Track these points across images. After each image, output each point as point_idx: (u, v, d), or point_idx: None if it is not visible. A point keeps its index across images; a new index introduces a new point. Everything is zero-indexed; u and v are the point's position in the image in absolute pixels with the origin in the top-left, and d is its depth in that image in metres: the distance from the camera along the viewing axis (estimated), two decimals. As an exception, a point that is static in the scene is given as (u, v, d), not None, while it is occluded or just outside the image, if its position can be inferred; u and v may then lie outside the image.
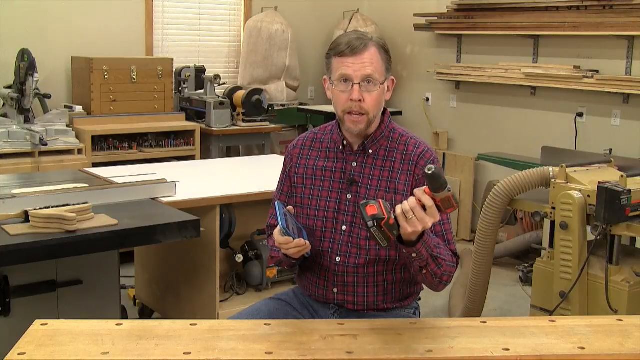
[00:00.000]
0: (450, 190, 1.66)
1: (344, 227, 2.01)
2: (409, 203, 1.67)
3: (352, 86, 1.92)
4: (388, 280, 2.02)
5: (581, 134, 4.93)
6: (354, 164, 2.04)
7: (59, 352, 1.60)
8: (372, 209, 1.66)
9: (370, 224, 1.66)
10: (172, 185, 3.05)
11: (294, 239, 1.81)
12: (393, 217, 1.68)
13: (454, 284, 4.34)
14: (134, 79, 4.91)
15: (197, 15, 5.72)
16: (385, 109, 2.06)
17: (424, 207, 1.67)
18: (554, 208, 3.09)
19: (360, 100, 1.92)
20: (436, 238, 1.90)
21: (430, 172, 1.63)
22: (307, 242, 1.86)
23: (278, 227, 1.83)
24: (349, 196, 2.02)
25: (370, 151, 2.03)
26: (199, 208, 3.04)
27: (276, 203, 1.87)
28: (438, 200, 1.67)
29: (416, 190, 1.68)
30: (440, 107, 5.99)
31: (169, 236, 2.61)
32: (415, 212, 1.66)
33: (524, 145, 5.23)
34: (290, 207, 1.94)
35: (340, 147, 2.05)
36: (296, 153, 2.13)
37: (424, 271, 1.85)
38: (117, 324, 1.76)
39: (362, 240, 1.99)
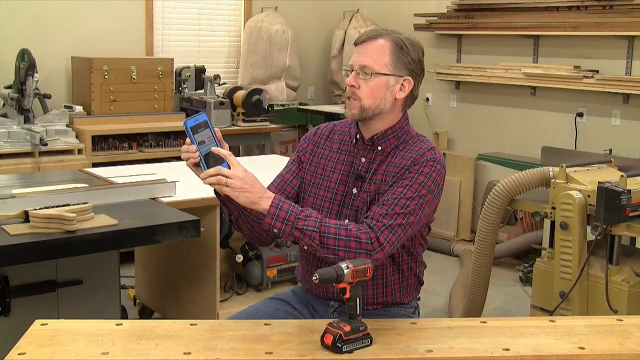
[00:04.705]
0: (348, 267, 1.64)
1: (346, 221, 2.01)
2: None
3: (351, 72, 1.98)
4: (387, 273, 2.03)
5: (581, 134, 4.93)
6: (363, 159, 2.04)
7: (59, 352, 1.60)
8: (328, 339, 1.64)
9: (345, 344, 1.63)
10: (172, 185, 3.05)
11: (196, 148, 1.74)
12: (344, 324, 1.66)
13: (454, 284, 4.35)
14: (134, 79, 4.91)
15: (197, 15, 5.72)
16: (405, 112, 2.06)
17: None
18: (554, 208, 3.09)
19: (353, 86, 1.96)
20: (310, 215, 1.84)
21: (317, 281, 1.62)
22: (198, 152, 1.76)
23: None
24: (354, 190, 2.02)
25: (379, 148, 2.03)
26: (199, 208, 3.04)
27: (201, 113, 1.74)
28: (352, 282, 1.65)
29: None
30: (440, 107, 5.99)
31: (169, 236, 2.61)
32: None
33: (524, 145, 5.23)
34: (217, 129, 1.81)
35: (354, 141, 2.06)
36: (313, 140, 2.14)
37: (305, 247, 1.86)
38: (117, 324, 1.76)
39: None
